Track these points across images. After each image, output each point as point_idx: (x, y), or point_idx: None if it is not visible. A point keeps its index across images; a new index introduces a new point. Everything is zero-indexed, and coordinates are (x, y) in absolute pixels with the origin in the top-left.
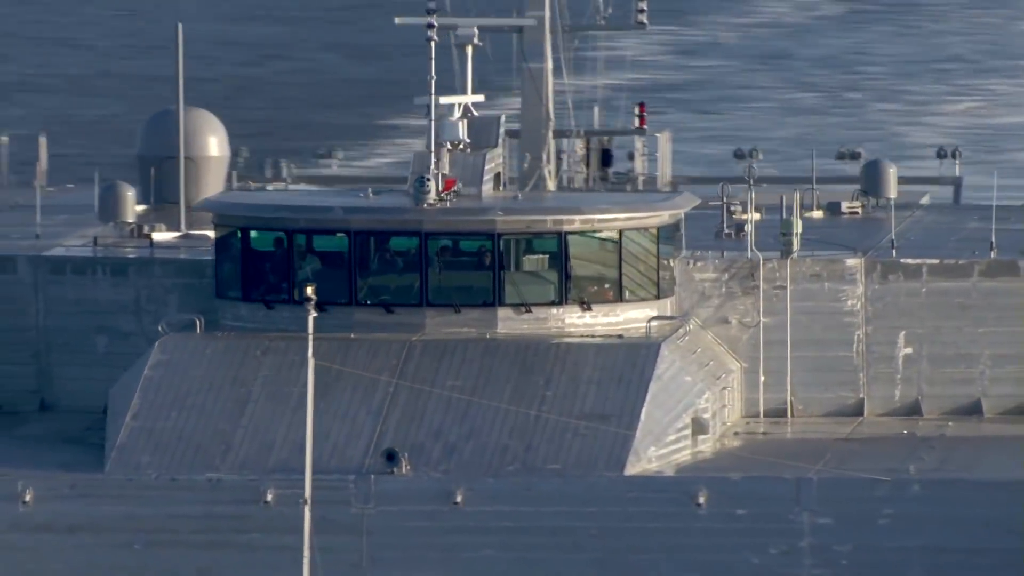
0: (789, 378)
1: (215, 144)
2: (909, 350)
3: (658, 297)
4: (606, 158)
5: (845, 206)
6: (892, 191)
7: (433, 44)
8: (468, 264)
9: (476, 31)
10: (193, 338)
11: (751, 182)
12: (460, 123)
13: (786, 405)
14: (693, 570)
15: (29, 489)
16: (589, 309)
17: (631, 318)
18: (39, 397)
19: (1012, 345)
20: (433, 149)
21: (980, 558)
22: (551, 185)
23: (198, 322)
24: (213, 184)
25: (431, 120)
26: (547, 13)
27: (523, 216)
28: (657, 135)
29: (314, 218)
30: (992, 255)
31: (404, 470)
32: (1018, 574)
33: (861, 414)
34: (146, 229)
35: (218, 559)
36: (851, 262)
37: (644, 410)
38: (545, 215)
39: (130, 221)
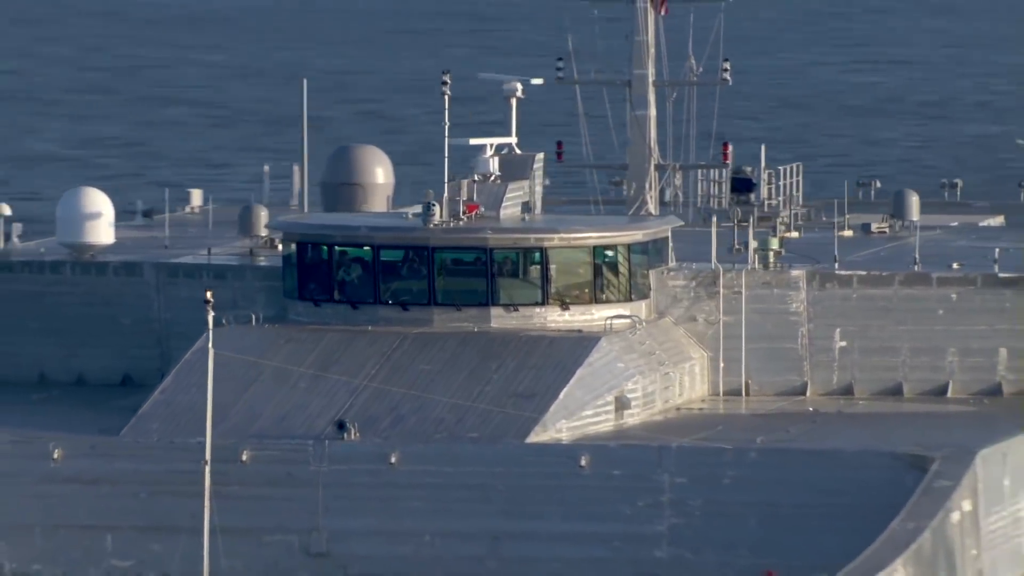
0: (744, 365)
1: (381, 173)
2: (844, 343)
3: (631, 300)
4: (746, 185)
5: (874, 226)
6: (915, 214)
7: (447, 97)
8: (467, 272)
9: (519, 86)
10: (236, 330)
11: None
12: (491, 160)
13: (742, 386)
14: (577, 519)
15: (58, 449)
16: (567, 309)
17: (605, 316)
18: (161, 373)
19: (926, 340)
20: (445, 181)
21: (805, 512)
22: (652, 208)
23: (254, 317)
24: (379, 206)
25: (446, 157)
26: (650, 70)
27: (510, 235)
28: (792, 166)
29: (347, 235)
30: (915, 268)
31: (352, 437)
32: (834, 526)
33: (805, 394)
34: (276, 241)
35: (204, 508)
36: (795, 273)
37: (564, 390)
38: (528, 234)
39: (262, 235)
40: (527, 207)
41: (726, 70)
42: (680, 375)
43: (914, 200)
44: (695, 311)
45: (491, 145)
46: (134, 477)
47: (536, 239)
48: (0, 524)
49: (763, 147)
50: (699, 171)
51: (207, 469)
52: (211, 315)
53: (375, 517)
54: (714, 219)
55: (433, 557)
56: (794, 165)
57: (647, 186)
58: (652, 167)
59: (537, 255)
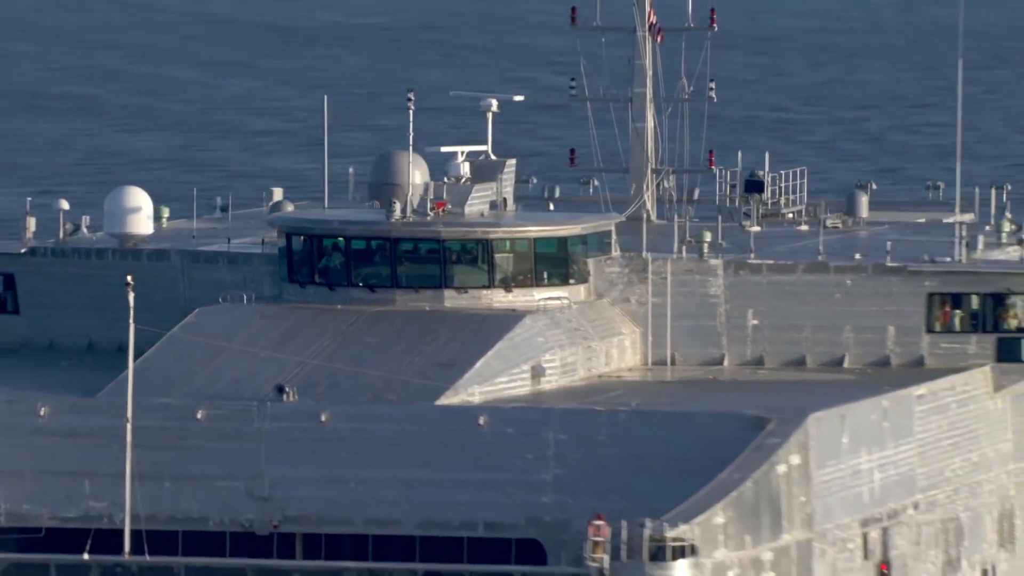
0: (670, 339)
1: (418, 175)
2: (755, 321)
3: (568, 284)
4: (757, 186)
5: (829, 223)
6: (864, 212)
7: (411, 111)
8: (424, 259)
9: (495, 103)
10: (225, 307)
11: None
12: (462, 164)
13: (668, 358)
14: (476, 469)
15: (44, 407)
16: (510, 291)
17: (543, 298)
18: None
19: (825, 319)
20: (409, 183)
21: (665, 465)
22: (651, 208)
23: (245, 297)
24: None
25: (410, 162)
26: (648, 89)
27: (460, 228)
28: (798, 169)
29: (323, 228)
30: (820, 259)
31: (290, 399)
32: (688, 476)
33: (723, 364)
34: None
35: (166, 457)
36: (714, 262)
37: (481, 360)
38: (476, 228)
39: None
40: (495, 205)
41: (712, 89)
42: (608, 347)
43: (863, 199)
44: (628, 293)
45: (462, 152)
46: (107, 431)
47: (482, 232)
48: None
49: (767, 154)
50: (719, 172)
51: (129, 428)
52: (131, 295)
53: (308, 467)
54: (675, 216)
55: (356, 500)
56: (799, 169)
57: (644, 187)
58: (649, 171)
59: (484, 246)
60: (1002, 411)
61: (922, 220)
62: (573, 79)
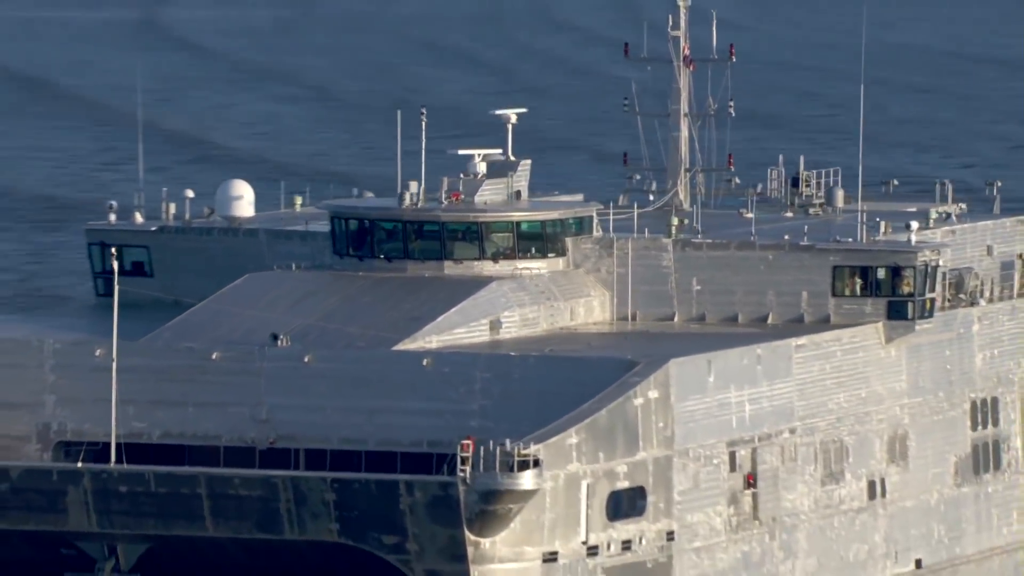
0: (631, 301)
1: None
2: (699, 287)
3: (547, 257)
4: (796, 183)
5: (811, 211)
6: (840, 202)
7: (424, 123)
8: (429, 236)
9: (514, 115)
10: (268, 274)
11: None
12: (479, 163)
13: (629, 315)
14: (421, 400)
15: (99, 349)
16: (497, 262)
17: (525, 267)
18: None
19: (752, 285)
20: (421, 179)
21: (562, 398)
22: (684, 201)
23: (293, 265)
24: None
25: (422, 161)
26: (682, 106)
27: (455, 212)
28: (831, 169)
29: (353, 212)
30: (752, 239)
31: (283, 344)
32: (577, 406)
33: (673, 320)
34: None
35: (189, 388)
36: (665, 240)
37: (443, 315)
38: (468, 212)
39: None
40: (513, 196)
41: (731, 106)
42: (575, 306)
43: (839, 193)
44: (599, 265)
45: (479, 155)
46: (142, 368)
47: (473, 216)
48: (66, 398)
49: (801, 157)
50: (770, 170)
51: (115, 366)
52: (116, 263)
53: (296, 397)
54: (635, 204)
55: (332, 423)
56: (832, 169)
57: (679, 182)
58: (682, 169)
59: (476, 227)
60: (895, 358)
61: (913, 209)
62: (626, 98)
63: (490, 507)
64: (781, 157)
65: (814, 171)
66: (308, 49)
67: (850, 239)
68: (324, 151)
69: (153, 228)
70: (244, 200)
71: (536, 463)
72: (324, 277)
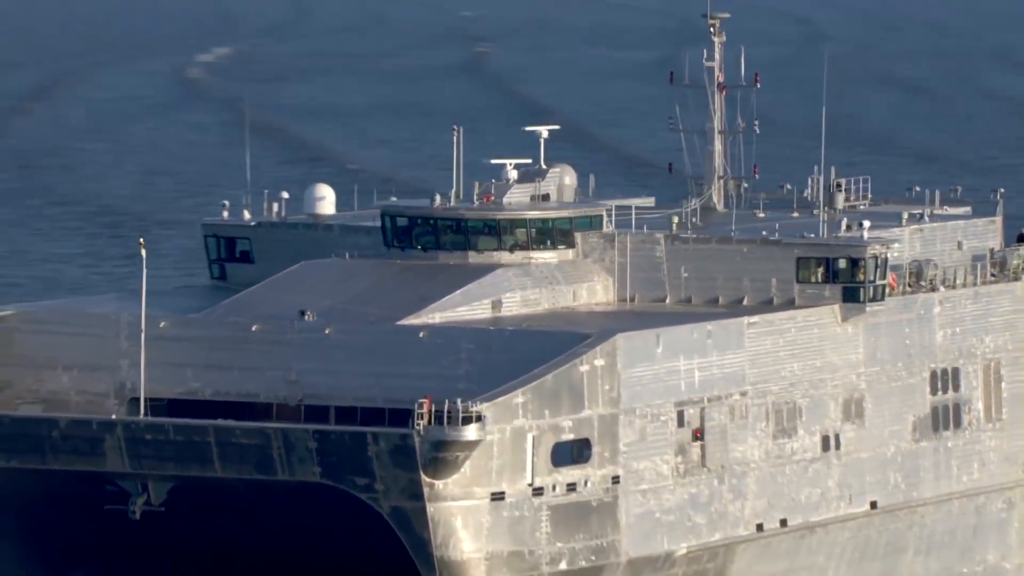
0: (629, 285)
1: (568, 180)
2: (687, 274)
3: (557, 248)
4: (829, 187)
5: (814, 212)
6: (840, 204)
7: (457, 138)
8: (455, 231)
9: (545, 131)
10: (321, 262)
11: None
12: (510, 170)
13: (627, 297)
14: (420, 365)
15: (164, 322)
16: (514, 253)
17: (538, 257)
18: None
19: (731, 273)
20: (454, 185)
21: (526, 366)
22: (717, 201)
23: (347, 255)
24: (568, 198)
25: (455, 173)
26: (716, 124)
27: (481, 213)
28: (860, 177)
29: (397, 210)
30: (732, 235)
31: (309, 319)
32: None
33: (665, 302)
34: None
35: (235, 354)
36: (658, 235)
37: (448, 296)
38: (488, 211)
39: None
40: (540, 198)
41: (756, 124)
42: (578, 290)
43: (840, 196)
44: (604, 255)
45: (511, 164)
46: (201, 337)
47: (491, 215)
48: (136, 362)
49: (832, 167)
50: (810, 177)
51: (143, 340)
52: (144, 252)
53: (318, 362)
54: (633, 207)
55: (346, 385)
56: (862, 177)
57: (713, 187)
58: (716, 177)
59: (494, 223)
60: (852, 334)
61: (918, 212)
62: (671, 117)
63: (440, 455)
64: (816, 167)
65: (845, 178)
66: None
67: (812, 235)
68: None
69: (253, 223)
70: (326, 200)
71: (479, 418)
72: (364, 264)
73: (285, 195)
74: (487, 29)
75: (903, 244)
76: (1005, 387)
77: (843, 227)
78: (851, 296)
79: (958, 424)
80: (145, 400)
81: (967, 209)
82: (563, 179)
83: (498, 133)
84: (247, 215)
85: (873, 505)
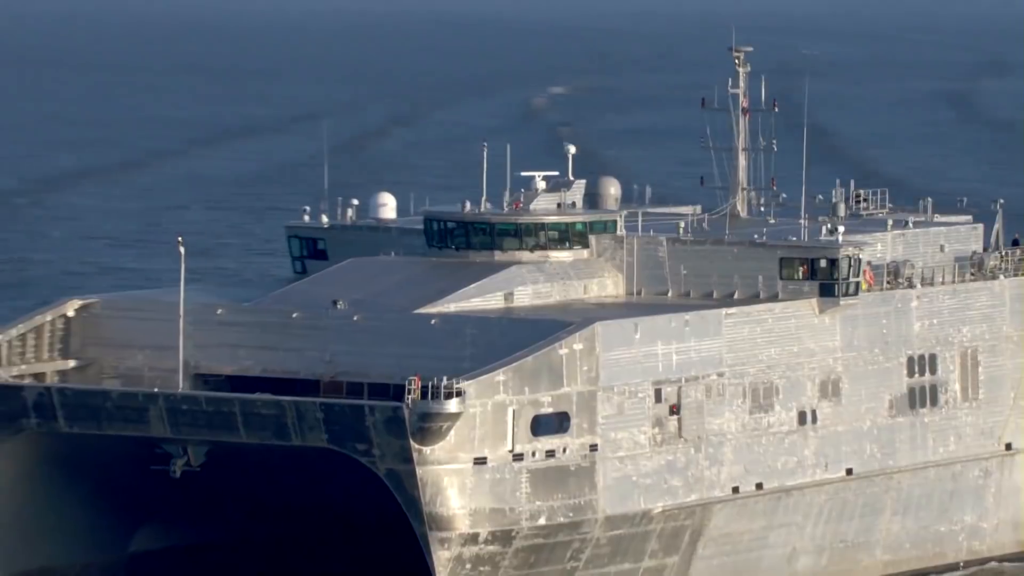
0: (636, 280)
1: (613, 190)
2: (685, 271)
3: (572, 248)
4: (856, 199)
5: (820, 218)
6: (841, 212)
7: (485, 154)
8: (482, 233)
9: (573, 148)
10: (368, 259)
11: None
12: (538, 181)
13: (634, 291)
14: (431, 347)
15: (221, 309)
16: (534, 252)
17: (555, 256)
18: None
19: (723, 270)
20: (483, 195)
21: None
22: (741, 208)
23: (392, 253)
24: (611, 205)
25: (483, 180)
26: (739, 143)
27: (505, 217)
28: (879, 190)
29: (435, 215)
30: (725, 237)
31: (340, 307)
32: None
33: (667, 295)
34: None
35: (279, 337)
36: (661, 237)
37: (461, 289)
38: (515, 217)
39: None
40: (567, 206)
41: (775, 141)
42: (588, 284)
43: (841, 206)
44: (614, 255)
45: (539, 176)
46: (251, 322)
47: (514, 219)
48: (198, 343)
49: (852, 181)
50: (833, 189)
51: (181, 321)
52: (182, 249)
53: (350, 345)
54: (639, 213)
55: (371, 364)
56: (881, 190)
57: (737, 196)
58: (740, 188)
59: (516, 227)
60: (829, 324)
61: (920, 218)
62: (702, 137)
63: (426, 424)
64: (837, 180)
65: (864, 190)
66: None
67: (793, 238)
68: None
69: (327, 226)
70: (387, 206)
71: (459, 394)
72: (402, 261)
73: (355, 202)
74: None
75: (885, 247)
76: (983, 371)
77: (822, 232)
78: (827, 291)
79: (935, 403)
80: (187, 377)
81: (969, 217)
82: (608, 190)
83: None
84: (324, 219)
85: (849, 472)
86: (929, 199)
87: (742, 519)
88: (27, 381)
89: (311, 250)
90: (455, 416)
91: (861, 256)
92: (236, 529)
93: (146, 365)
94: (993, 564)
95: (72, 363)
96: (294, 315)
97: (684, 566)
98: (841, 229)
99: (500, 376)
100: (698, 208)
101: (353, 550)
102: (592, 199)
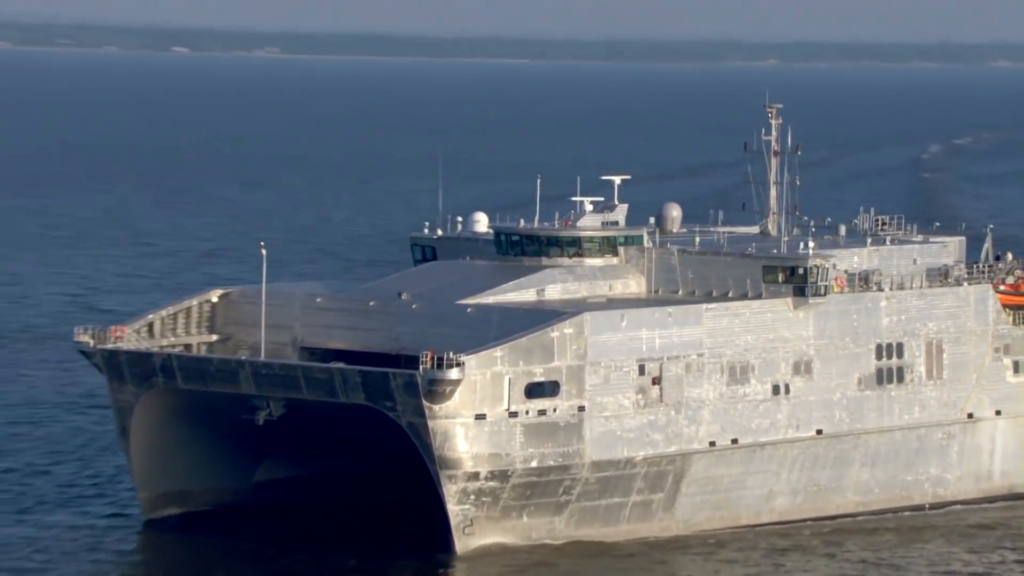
0: (654, 281)
1: (675, 213)
2: (692, 275)
3: (603, 257)
4: (876, 224)
5: (826, 237)
6: (842, 233)
7: (539, 184)
8: (534, 243)
9: (618, 179)
10: (446, 262)
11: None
12: (588, 204)
13: (653, 290)
14: (464, 329)
15: (319, 298)
16: (571, 258)
17: (587, 262)
18: None
19: (718, 274)
20: (536, 215)
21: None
22: (771, 228)
23: (467, 258)
24: (675, 227)
25: (537, 206)
26: (772, 175)
27: (549, 231)
28: (896, 216)
29: (499, 229)
30: (722, 249)
31: (403, 297)
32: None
33: (678, 293)
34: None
35: (358, 320)
36: (672, 247)
37: (499, 286)
38: (553, 231)
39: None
40: (610, 224)
41: (798, 179)
42: (613, 284)
43: (841, 227)
44: (639, 261)
45: (587, 200)
46: (341, 308)
47: (556, 233)
48: (303, 324)
49: (872, 208)
50: (859, 215)
51: (263, 307)
52: (264, 251)
53: (410, 327)
54: (656, 229)
55: (425, 342)
56: (898, 216)
57: (768, 219)
58: (771, 212)
59: (557, 238)
60: (803, 318)
61: (920, 238)
62: (745, 172)
63: (434, 388)
64: (861, 208)
65: (880, 215)
66: None
67: (775, 251)
68: None
69: (436, 237)
70: (481, 223)
71: (460, 364)
72: (470, 264)
73: (460, 219)
74: None
75: (862, 259)
76: (947, 356)
77: (800, 247)
78: (800, 292)
79: (901, 380)
80: (295, 349)
81: (962, 238)
82: (671, 212)
83: None
84: (439, 232)
85: (819, 432)
86: (936, 223)
87: (720, 466)
88: (171, 350)
89: (427, 254)
90: (457, 382)
91: (828, 265)
92: (325, 464)
93: (267, 340)
94: (957, 507)
95: (215, 337)
96: (371, 303)
97: (670, 501)
98: (812, 244)
99: (498, 352)
100: (755, 229)
101: (396, 485)
102: (660, 220)
